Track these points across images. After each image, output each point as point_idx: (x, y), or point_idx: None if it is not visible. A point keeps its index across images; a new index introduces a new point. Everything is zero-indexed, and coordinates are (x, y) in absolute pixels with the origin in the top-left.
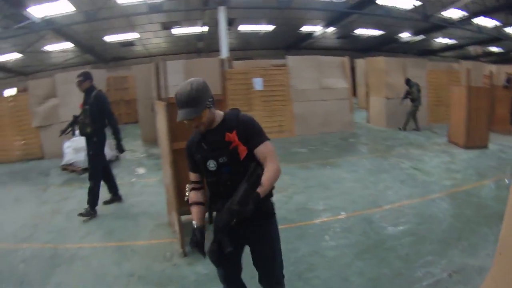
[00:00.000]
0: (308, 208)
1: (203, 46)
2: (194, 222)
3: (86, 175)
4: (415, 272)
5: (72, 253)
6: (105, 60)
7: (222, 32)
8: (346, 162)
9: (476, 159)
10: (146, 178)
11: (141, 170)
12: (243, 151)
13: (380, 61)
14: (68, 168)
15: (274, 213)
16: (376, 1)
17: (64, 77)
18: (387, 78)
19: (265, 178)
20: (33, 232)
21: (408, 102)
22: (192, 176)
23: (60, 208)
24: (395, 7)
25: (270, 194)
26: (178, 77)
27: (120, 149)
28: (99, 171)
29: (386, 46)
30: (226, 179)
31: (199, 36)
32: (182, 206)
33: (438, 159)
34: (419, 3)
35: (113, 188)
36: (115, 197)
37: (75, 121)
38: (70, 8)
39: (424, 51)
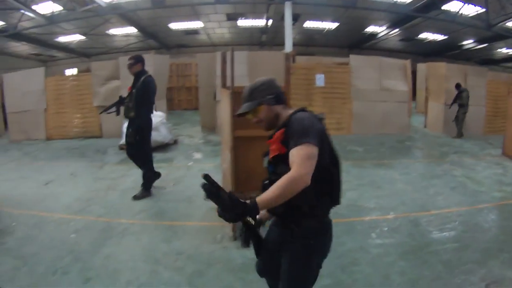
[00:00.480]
0: (359, 205)
1: (266, 39)
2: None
3: None
4: (454, 278)
5: (124, 227)
6: (167, 47)
7: (287, 26)
8: (400, 164)
9: None
10: (202, 163)
11: (198, 155)
12: (274, 150)
13: (441, 67)
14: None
15: (307, 237)
16: (441, 6)
17: (127, 61)
18: (447, 84)
19: (273, 185)
20: (87, 205)
21: (455, 107)
22: None
23: (115, 185)
24: (459, 12)
25: (305, 213)
26: (242, 68)
27: (131, 136)
28: (148, 155)
29: (448, 52)
30: (269, 178)
31: (263, 29)
32: (238, 191)
33: (490, 170)
34: (483, 10)
35: (148, 182)
36: (146, 192)
37: (120, 102)
38: None
39: (486, 60)
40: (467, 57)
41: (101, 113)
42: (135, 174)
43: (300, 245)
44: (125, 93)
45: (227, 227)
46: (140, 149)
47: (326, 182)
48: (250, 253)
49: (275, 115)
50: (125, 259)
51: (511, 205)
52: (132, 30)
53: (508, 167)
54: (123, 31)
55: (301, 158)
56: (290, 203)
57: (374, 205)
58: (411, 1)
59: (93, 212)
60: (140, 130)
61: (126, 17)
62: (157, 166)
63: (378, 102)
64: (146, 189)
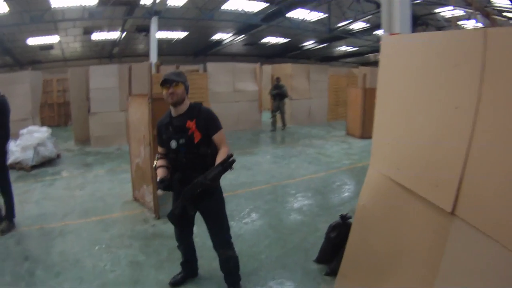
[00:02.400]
0: (241, 182)
1: (116, 52)
2: (159, 177)
3: (36, 171)
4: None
5: (59, 230)
6: (21, 64)
7: (153, 39)
8: (261, 151)
9: (369, 145)
10: (93, 170)
11: (86, 165)
12: (197, 136)
13: (287, 67)
14: (16, 166)
15: (221, 187)
16: (286, 14)
17: (3, 78)
18: (292, 82)
19: (220, 158)
20: None
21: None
22: (160, 149)
23: (26, 198)
24: (300, 18)
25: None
26: (114, 80)
27: None
28: (8, 182)
29: (290, 53)
30: (182, 157)
31: (115, 42)
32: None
33: (338, 147)
34: (325, 15)
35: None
36: (10, 224)
37: None
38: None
39: (326, 58)
40: (308, 56)
41: None
42: (39, 188)
43: (221, 193)
44: None
45: (147, 212)
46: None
47: None
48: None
49: (183, 97)
50: (79, 251)
51: (358, 168)
52: None
53: (352, 143)
54: None
55: (224, 138)
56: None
57: (252, 180)
58: (259, 10)
59: (22, 223)
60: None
61: None
62: (53, 179)
63: (232, 103)
64: (12, 219)
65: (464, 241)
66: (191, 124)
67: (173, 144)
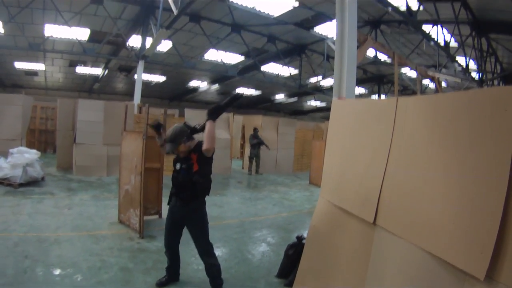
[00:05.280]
0: (212, 216)
1: (97, 88)
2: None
3: (23, 189)
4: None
5: (54, 238)
6: (4, 85)
7: (138, 82)
8: (230, 193)
9: None
10: (78, 194)
11: (70, 189)
12: (195, 167)
13: (258, 119)
14: (4, 182)
15: (205, 209)
16: (261, 67)
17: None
18: (262, 133)
19: (207, 134)
20: (7, 226)
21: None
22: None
23: (19, 210)
24: (275, 73)
25: (202, 195)
26: (99, 115)
27: None
28: None
29: (261, 104)
30: (180, 177)
31: (97, 78)
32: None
33: (300, 193)
34: (296, 71)
35: None
36: None
37: None
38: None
39: (295, 111)
40: (279, 109)
41: None
42: (29, 203)
43: (204, 209)
44: None
45: (132, 232)
46: None
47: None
48: (158, 243)
49: (189, 148)
50: (74, 255)
51: None
52: None
53: (314, 191)
54: None
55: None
56: (196, 192)
57: (222, 215)
58: (236, 63)
59: (17, 230)
60: None
61: None
62: (41, 197)
63: None
64: None
65: (383, 242)
66: (193, 157)
67: (177, 166)
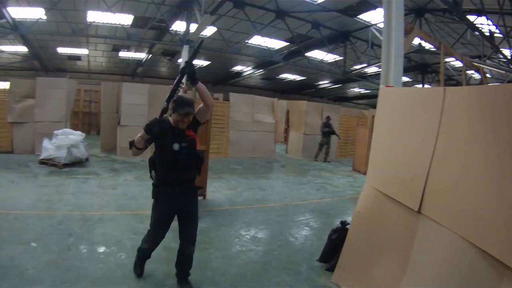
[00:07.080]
0: (256, 199)
1: (140, 72)
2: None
3: (68, 169)
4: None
5: (98, 217)
6: (47, 69)
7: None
8: (274, 176)
9: None
10: (123, 175)
11: (114, 170)
12: (198, 143)
13: (302, 104)
14: (48, 162)
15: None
16: (305, 53)
17: (44, 81)
18: (306, 118)
19: (204, 92)
20: (52, 204)
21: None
22: (142, 144)
23: (63, 190)
24: (319, 59)
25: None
26: (143, 98)
27: None
28: None
29: (305, 90)
30: (182, 158)
31: (140, 62)
32: None
33: (343, 179)
34: (341, 58)
35: None
36: None
37: None
38: (42, 16)
39: (339, 98)
40: (322, 94)
41: None
42: (73, 183)
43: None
44: (40, 113)
45: None
46: None
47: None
48: (202, 224)
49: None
50: (118, 234)
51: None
52: (22, 49)
53: (357, 177)
54: (13, 49)
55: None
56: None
57: (266, 198)
58: (280, 48)
59: (61, 208)
60: None
61: (24, 36)
62: (85, 178)
63: (250, 132)
64: None
65: (427, 231)
66: (190, 132)
67: (176, 146)
